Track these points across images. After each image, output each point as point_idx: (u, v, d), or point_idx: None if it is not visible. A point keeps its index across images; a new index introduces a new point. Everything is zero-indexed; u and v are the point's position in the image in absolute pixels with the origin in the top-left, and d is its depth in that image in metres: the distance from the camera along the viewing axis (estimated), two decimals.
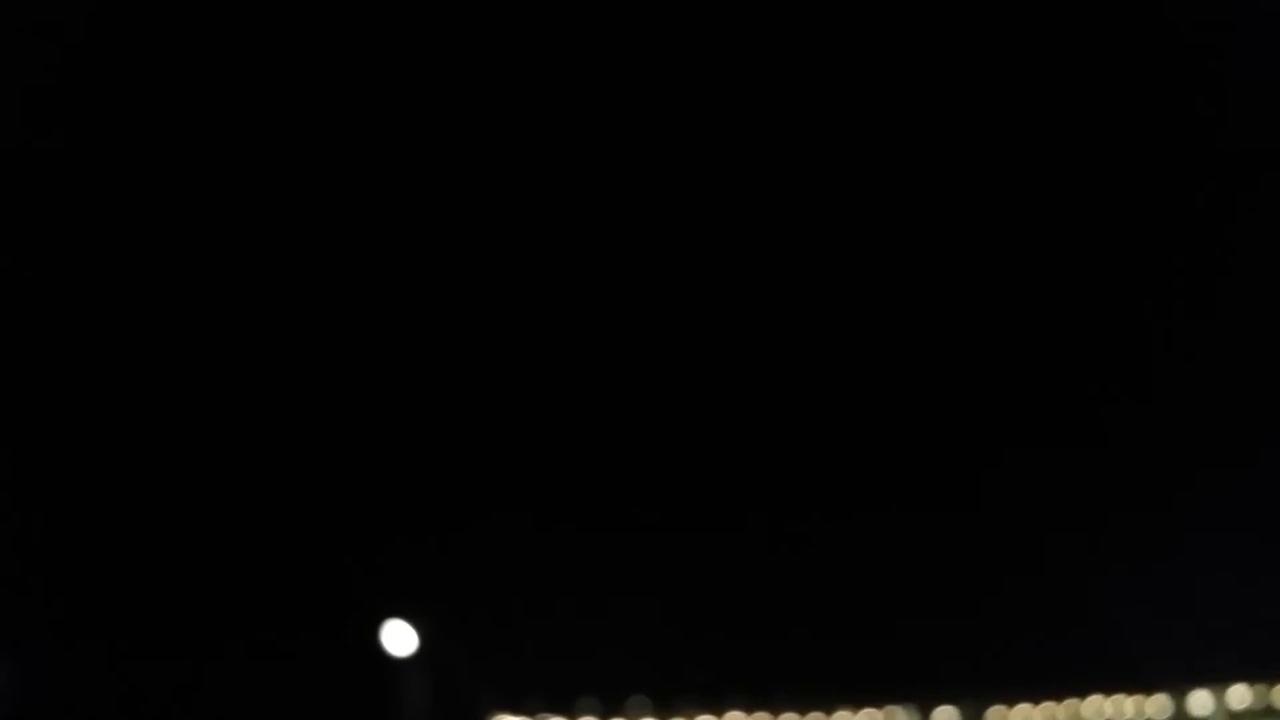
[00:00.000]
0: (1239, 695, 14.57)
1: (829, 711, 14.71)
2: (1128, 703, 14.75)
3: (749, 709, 14.68)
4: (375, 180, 13.09)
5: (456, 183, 13.16)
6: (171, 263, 12.86)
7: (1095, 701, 14.75)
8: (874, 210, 13.73)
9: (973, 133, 13.54)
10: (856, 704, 14.72)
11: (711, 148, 13.37)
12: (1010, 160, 13.64)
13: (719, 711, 14.67)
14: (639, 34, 12.83)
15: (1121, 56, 13.34)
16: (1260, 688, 14.57)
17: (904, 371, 14.06)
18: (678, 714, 14.64)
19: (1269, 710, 14.55)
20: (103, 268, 12.68)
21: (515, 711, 14.29)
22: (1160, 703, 14.74)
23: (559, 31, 12.76)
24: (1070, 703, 14.74)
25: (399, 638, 13.13)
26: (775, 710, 14.67)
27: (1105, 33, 13.21)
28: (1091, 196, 13.79)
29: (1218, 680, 14.60)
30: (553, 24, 12.71)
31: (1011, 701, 14.66)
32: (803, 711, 14.67)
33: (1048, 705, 14.73)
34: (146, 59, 12.39)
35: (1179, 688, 14.69)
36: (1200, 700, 14.66)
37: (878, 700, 14.77)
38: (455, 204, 13.24)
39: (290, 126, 12.76)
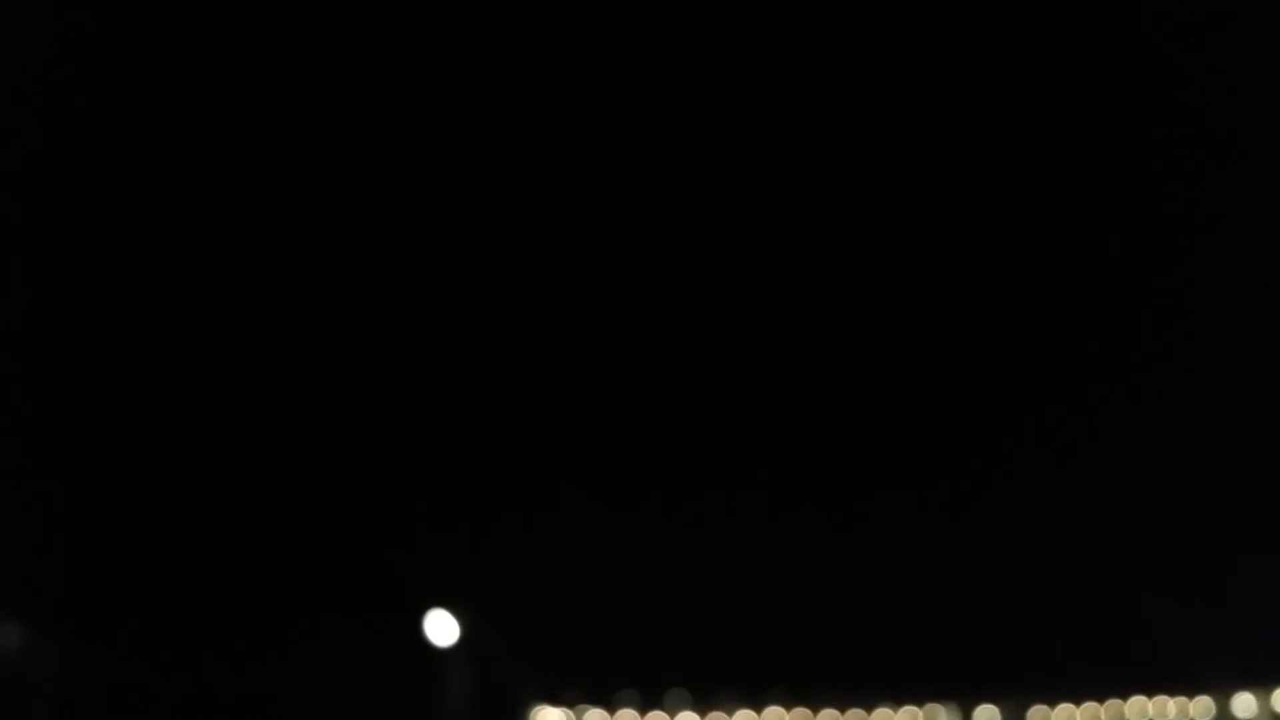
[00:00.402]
0: None
1: (869, 709, 14.67)
2: (1171, 704, 14.66)
3: (788, 705, 14.66)
4: (407, 176, 13.09)
5: (480, 179, 13.15)
6: (219, 267, 12.90)
7: (1138, 702, 14.66)
8: (887, 207, 13.65)
9: (973, 134, 13.48)
10: (897, 702, 14.68)
11: (712, 147, 13.33)
12: (1024, 158, 13.57)
13: (758, 706, 14.66)
14: (639, 34, 12.79)
15: (1121, 57, 13.24)
16: None
17: (938, 367, 14.00)
18: (716, 708, 14.64)
19: None
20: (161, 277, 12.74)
21: (555, 703, 14.34)
22: (1204, 704, 14.65)
23: (559, 32, 12.73)
24: (1113, 703, 14.66)
25: (441, 628, 13.16)
26: (815, 707, 14.64)
27: (1104, 32, 13.13)
28: (1103, 190, 13.70)
29: (1262, 682, 14.49)
30: (553, 24, 12.69)
31: (1054, 701, 14.60)
32: (843, 708, 14.64)
33: (1090, 705, 14.66)
34: (146, 58, 12.40)
35: (1223, 689, 14.59)
36: (1244, 702, 14.56)
37: (919, 698, 14.73)
38: (485, 198, 13.24)
39: (292, 127, 12.77)
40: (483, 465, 13.26)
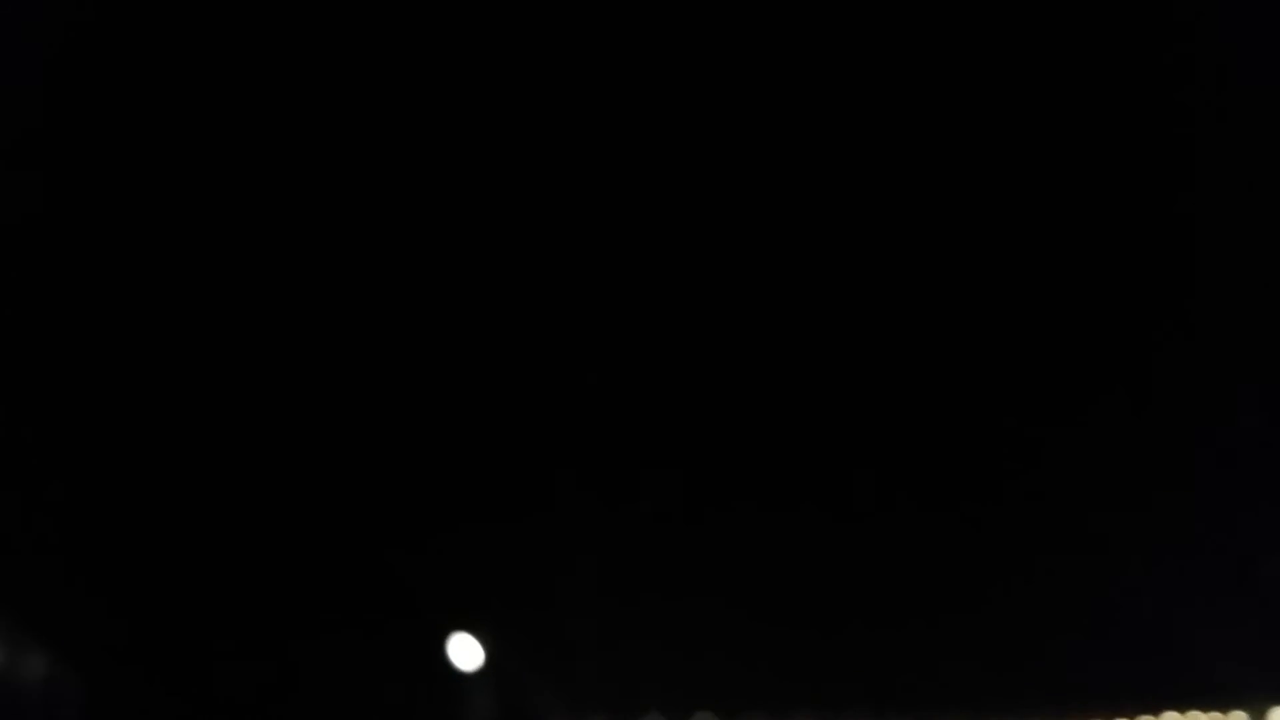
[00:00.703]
0: None
1: None
2: (1203, 719, 14.53)
3: None
4: (406, 177, 13.03)
5: (477, 182, 13.10)
6: (222, 270, 12.85)
7: (1170, 718, 14.54)
8: (890, 204, 13.56)
9: (974, 133, 13.42)
10: None
11: (712, 146, 13.26)
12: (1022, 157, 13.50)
13: None
14: (639, 34, 12.77)
15: (1122, 56, 13.21)
16: None
17: (946, 373, 13.90)
18: None
19: None
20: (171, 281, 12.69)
21: None
22: (1238, 719, 14.52)
23: (559, 32, 12.71)
24: (1144, 719, 14.55)
25: (465, 651, 13.09)
26: None
27: (1105, 32, 13.10)
28: (1102, 189, 13.61)
29: None
30: (552, 24, 12.66)
31: (1085, 717, 14.48)
32: None
33: None
34: (145, 58, 12.38)
35: (1258, 704, 14.46)
36: None
37: (945, 717, 14.61)
38: (473, 202, 13.18)
39: (292, 126, 12.71)
40: (507, 486, 13.22)
